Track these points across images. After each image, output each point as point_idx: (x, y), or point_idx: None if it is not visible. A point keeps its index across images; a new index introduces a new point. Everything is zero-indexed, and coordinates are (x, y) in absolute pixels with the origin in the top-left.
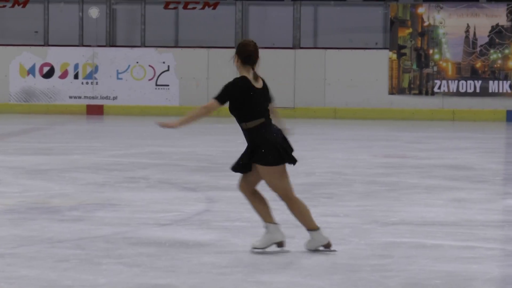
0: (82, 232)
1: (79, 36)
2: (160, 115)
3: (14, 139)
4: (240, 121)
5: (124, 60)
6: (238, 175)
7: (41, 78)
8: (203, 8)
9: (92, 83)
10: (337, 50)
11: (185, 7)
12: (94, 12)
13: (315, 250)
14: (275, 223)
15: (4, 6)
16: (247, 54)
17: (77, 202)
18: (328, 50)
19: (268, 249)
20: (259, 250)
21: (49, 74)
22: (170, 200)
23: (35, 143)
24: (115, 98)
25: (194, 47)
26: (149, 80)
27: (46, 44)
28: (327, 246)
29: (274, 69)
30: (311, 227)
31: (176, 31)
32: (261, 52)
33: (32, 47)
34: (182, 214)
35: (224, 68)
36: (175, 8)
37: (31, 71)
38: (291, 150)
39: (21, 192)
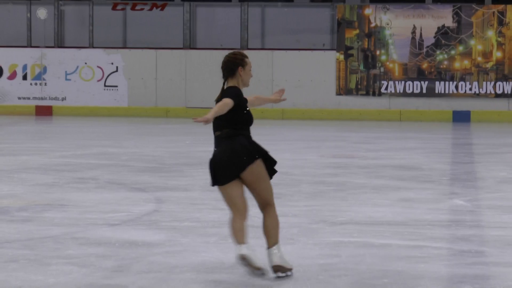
0: (31, 233)
1: (27, 37)
2: (108, 115)
3: None
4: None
5: (73, 61)
6: (184, 175)
7: None
8: (151, 9)
9: (40, 84)
10: (284, 51)
11: (133, 8)
12: (42, 13)
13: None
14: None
15: None
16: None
17: (26, 202)
18: (276, 51)
19: (216, 251)
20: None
21: None
22: (119, 201)
23: None
24: (63, 99)
25: (142, 48)
26: (98, 81)
27: None
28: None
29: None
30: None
31: (124, 32)
32: (210, 52)
33: None
34: (131, 215)
35: (172, 69)
36: (123, 9)
37: None
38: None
39: None
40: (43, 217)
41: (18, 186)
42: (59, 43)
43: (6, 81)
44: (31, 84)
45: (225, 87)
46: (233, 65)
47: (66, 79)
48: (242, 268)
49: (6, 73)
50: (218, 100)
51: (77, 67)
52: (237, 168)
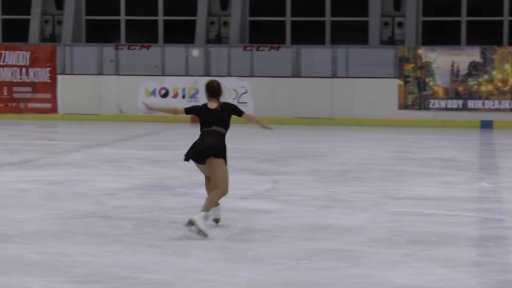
0: (187, 203)
1: (185, 69)
2: (239, 123)
3: (140, 139)
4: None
5: None
6: (291, 164)
7: (160, 97)
8: (269, 50)
9: (194, 101)
10: (362, 78)
11: (257, 49)
12: (195, 52)
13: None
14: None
15: (134, 49)
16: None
17: (184, 182)
18: (356, 79)
19: (314, 217)
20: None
21: (165, 95)
22: (247, 181)
23: (155, 141)
24: None
25: (263, 77)
26: (233, 99)
27: (163, 74)
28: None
29: (318, 92)
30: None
31: (251, 65)
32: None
33: (154, 77)
34: (255, 191)
35: (284, 91)
36: (250, 50)
37: (153, 93)
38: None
39: (146, 175)
40: (196, 192)
41: (178, 170)
42: (207, 73)
43: (171, 99)
44: (187, 101)
45: (220, 103)
46: (221, 91)
47: None
48: (332, 228)
49: (171, 93)
50: (221, 111)
51: None
52: None
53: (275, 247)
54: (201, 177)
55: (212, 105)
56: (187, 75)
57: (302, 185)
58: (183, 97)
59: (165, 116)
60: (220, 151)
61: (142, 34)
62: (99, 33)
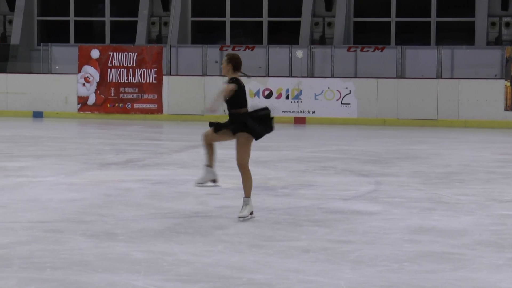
0: (290, 204)
1: (289, 70)
2: (343, 124)
3: None
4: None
5: (320, 86)
6: (395, 165)
7: (264, 98)
8: (374, 50)
9: (297, 102)
10: (467, 79)
11: (361, 50)
12: (299, 53)
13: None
14: (211, 167)
15: (239, 50)
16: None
17: (286, 183)
18: (461, 80)
19: (417, 219)
20: (200, 184)
21: (269, 96)
22: (350, 182)
23: (258, 142)
24: (313, 112)
25: (367, 77)
26: (337, 100)
27: (267, 75)
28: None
29: (423, 93)
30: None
31: (355, 66)
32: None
33: (257, 78)
34: (358, 192)
35: (388, 91)
36: (354, 51)
37: (257, 93)
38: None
39: None
40: (298, 193)
41: (281, 171)
42: (311, 74)
43: (274, 100)
44: (291, 102)
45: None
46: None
47: (315, 99)
48: (435, 230)
49: (275, 94)
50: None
51: (323, 90)
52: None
53: (377, 249)
54: (301, 178)
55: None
56: (291, 76)
57: (406, 186)
58: (287, 97)
59: None
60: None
61: (246, 35)
62: (204, 34)
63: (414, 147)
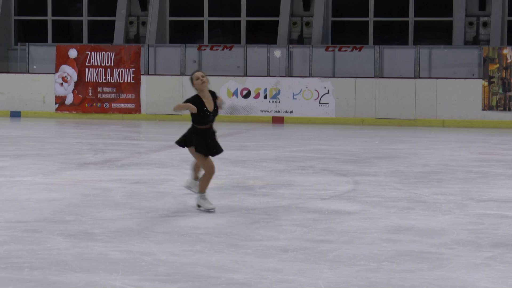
0: (268, 203)
1: (267, 69)
2: (321, 123)
3: (222, 139)
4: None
5: (298, 86)
6: (373, 165)
7: (242, 98)
8: (352, 50)
9: (276, 101)
10: (445, 79)
11: (339, 50)
12: (278, 53)
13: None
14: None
15: (217, 49)
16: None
17: (265, 182)
18: (439, 79)
19: (395, 218)
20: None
21: (247, 95)
22: (328, 182)
23: (237, 142)
24: (291, 112)
25: (345, 77)
26: (315, 99)
27: (245, 75)
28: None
29: (401, 93)
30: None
31: (333, 66)
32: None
33: (236, 77)
34: (336, 192)
35: (366, 91)
36: (332, 50)
37: (235, 93)
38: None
39: (227, 175)
40: (277, 192)
41: (259, 171)
42: (289, 73)
43: (252, 99)
44: (269, 101)
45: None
46: (191, 83)
47: (293, 98)
48: (414, 230)
49: (253, 94)
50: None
51: (301, 90)
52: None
53: (356, 248)
54: (280, 178)
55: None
56: (269, 75)
57: (384, 186)
58: (265, 97)
59: (247, 117)
60: (183, 142)
61: (225, 35)
62: (182, 33)
63: (393, 147)
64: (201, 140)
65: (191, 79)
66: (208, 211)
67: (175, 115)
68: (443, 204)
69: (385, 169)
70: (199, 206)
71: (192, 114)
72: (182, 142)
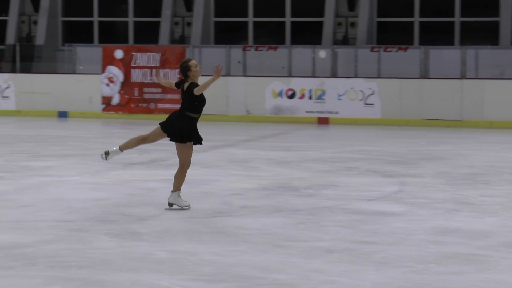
0: (313, 204)
1: (312, 70)
2: (367, 124)
3: (267, 139)
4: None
5: (343, 86)
6: (420, 166)
7: (287, 98)
8: (397, 50)
9: (321, 102)
10: (492, 80)
11: (385, 50)
12: (322, 53)
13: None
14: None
15: (262, 50)
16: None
17: (310, 183)
18: (486, 80)
19: (441, 220)
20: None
21: (292, 96)
22: (374, 183)
23: (282, 143)
24: (337, 112)
25: (391, 78)
26: (360, 100)
27: (290, 75)
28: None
29: (447, 93)
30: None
31: (379, 66)
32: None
33: (280, 78)
34: (382, 193)
35: (412, 92)
36: (378, 51)
37: (280, 94)
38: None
39: (272, 176)
40: (322, 193)
41: (304, 172)
42: (334, 74)
43: (297, 100)
44: (314, 102)
45: (185, 85)
46: (184, 70)
47: (338, 99)
48: (460, 232)
49: (298, 94)
50: (183, 89)
51: (346, 91)
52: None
53: (402, 250)
54: (325, 178)
55: (185, 85)
56: (313, 76)
57: (430, 187)
58: (310, 98)
59: (292, 118)
60: (181, 138)
61: (269, 36)
62: (227, 34)
63: (438, 148)
64: (192, 128)
65: (188, 67)
66: (182, 209)
67: (220, 115)
68: (489, 206)
69: (431, 170)
70: (171, 204)
71: (190, 102)
72: (179, 134)
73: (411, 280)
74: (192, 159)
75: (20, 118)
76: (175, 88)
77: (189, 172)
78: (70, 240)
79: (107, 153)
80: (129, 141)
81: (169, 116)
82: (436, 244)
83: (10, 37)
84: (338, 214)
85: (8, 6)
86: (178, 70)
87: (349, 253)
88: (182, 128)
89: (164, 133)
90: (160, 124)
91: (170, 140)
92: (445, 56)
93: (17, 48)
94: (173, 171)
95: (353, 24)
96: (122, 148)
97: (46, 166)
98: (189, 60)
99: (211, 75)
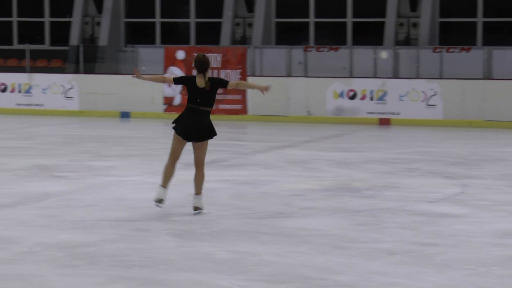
0: (374, 205)
1: (373, 71)
2: (429, 125)
3: (328, 140)
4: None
5: (405, 87)
6: (482, 168)
7: (348, 99)
8: (460, 51)
9: (382, 103)
10: None
11: (447, 51)
12: (384, 54)
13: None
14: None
15: (323, 51)
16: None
17: (371, 184)
18: None
19: (505, 223)
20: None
21: (353, 97)
22: (436, 185)
23: (343, 143)
24: (398, 113)
25: (453, 79)
26: (422, 101)
27: (351, 76)
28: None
29: (510, 94)
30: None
31: (441, 67)
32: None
33: (341, 79)
34: (444, 195)
35: (475, 93)
36: (440, 51)
37: (341, 95)
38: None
39: (333, 177)
40: (383, 194)
41: (365, 173)
42: (395, 75)
43: (358, 101)
44: (375, 103)
45: (206, 77)
46: (207, 65)
47: (400, 100)
48: None
49: (359, 95)
50: (210, 90)
51: (408, 91)
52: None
53: (464, 252)
54: (386, 180)
55: (200, 82)
56: (375, 77)
57: (493, 189)
58: (371, 99)
59: (353, 118)
60: (209, 134)
61: (330, 36)
62: (288, 35)
63: (501, 150)
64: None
65: (208, 62)
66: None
67: (280, 116)
68: None
69: (493, 172)
70: (198, 209)
71: (213, 98)
72: (210, 130)
73: (473, 283)
74: (252, 160)
75: (83, 118)
76: (174, 84)
77: (249, 173)
78: (132, 240)
79: (160, 200)
80: (164, 174)
81: (182, 121)
82: (498, 247)
83: (74, 38)
84: (399, 216)
85: (72, 8)
86: (239, 71)
87: (411, 255)
88: (210, 124)
89: (183, 141)
90: (179, 134)
91: (198, 141)
92: (509, 56)
93: (81, 49)
94: (234, 172)
95: (415, 25)
96: (164, 185)
97: (108, 166)
98: (202, 54)
99: (272, 76)
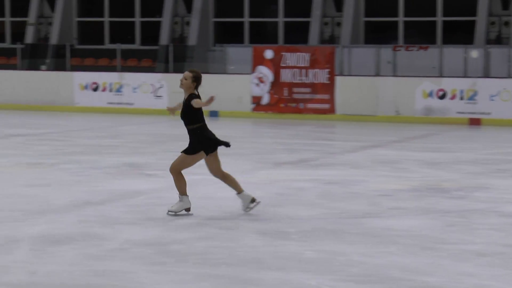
0: (464, 206)
1: (464, 70)
2: None
3: (417, 140)
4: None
5: (496, 87)
6: None
7: (437, 99)
8: None
9: (473, 103)
10: None
11: None
12: (474, 53)
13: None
14: (187, 195)
15: (412, 50)
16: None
17: (461, 185)
18: None
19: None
20: (173, 213)
21: (442, 97)
22: None
23: (432, 144)
24: (489, 113)
25: None
26: None
27: (441, 75)
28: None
29: None
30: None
31: None
32: None
33: (431, 78)
34: None
35: None
36: None
37: (430, 94)
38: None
39: (422, 177)
40: (473, 195)
41: (455, 173)
42: (486, 74)
43: (448, 101)
44: (465, 102)
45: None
46: (198, 80)
47: (491, 100)
48: None
49: (449, 95)
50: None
51: (499, 91)
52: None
53: None
54: (476, 181)
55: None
56: (465, 76)
57: None
58: (461, 98)
59: (443, 118)
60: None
61: (420, 35)
62: (377, 34)
63: None
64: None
65: (200, 78)
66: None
67: (369, 116)
68: None
69: None
70: (249, 208)
71: (199, 113)
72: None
73: None
74: (340, 159)
75: (172, 117)
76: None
77: (337, 172)
78: (220, 238)
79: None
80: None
81: (211, 138)
82: None
83: (164, 38)
84: (490, 217)
85: (162, 8)
86: (328, 70)
87: (502, 257)
88: (210, 137)
89: (208, 157)
90: (213, 151)
91: (209, 153)
92: None
93: (170, 48)
94: (322, 171)
95: (507, 23)
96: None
97: (196, 165)
98: (196, 70)
99: (360, 75)
